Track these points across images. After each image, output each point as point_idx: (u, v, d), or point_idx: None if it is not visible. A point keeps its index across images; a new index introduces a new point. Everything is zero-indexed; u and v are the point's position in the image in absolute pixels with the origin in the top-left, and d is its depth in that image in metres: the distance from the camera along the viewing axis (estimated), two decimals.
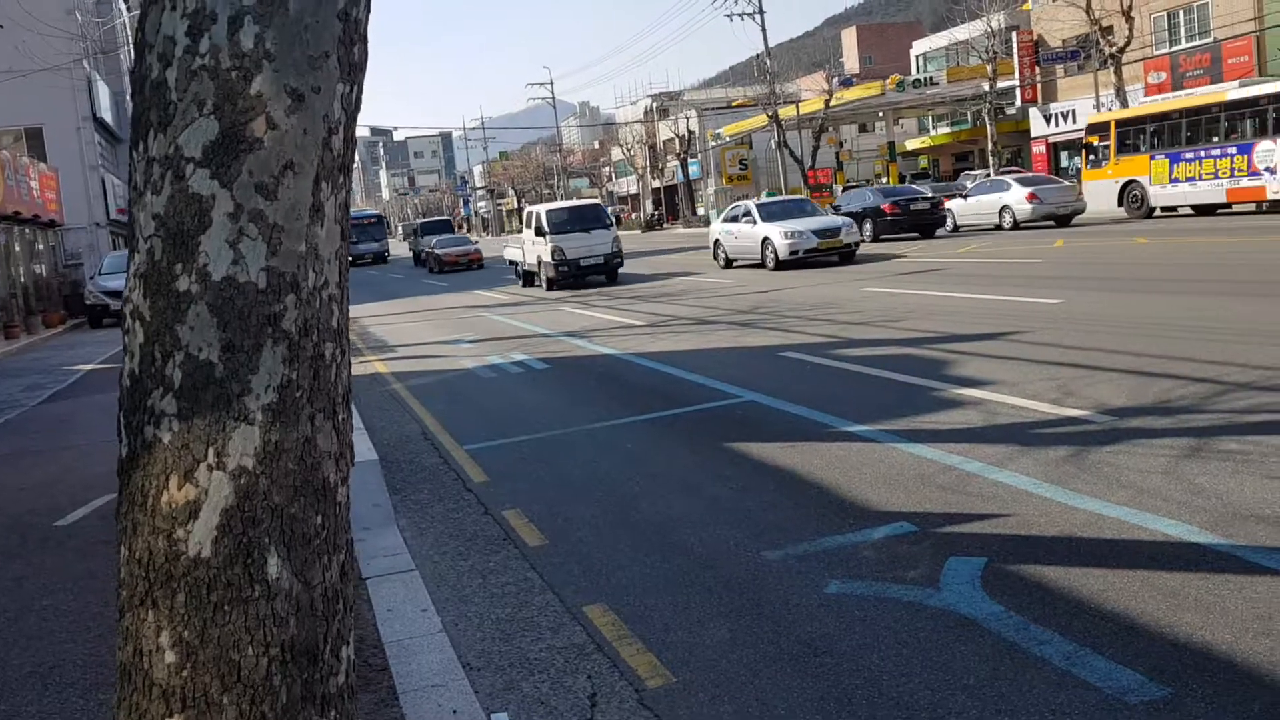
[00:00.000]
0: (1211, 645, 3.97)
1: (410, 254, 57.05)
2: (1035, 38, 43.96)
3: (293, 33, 2.06)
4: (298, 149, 2.08)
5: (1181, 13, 37.71)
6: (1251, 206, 25.95)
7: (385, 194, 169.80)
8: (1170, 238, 21.51)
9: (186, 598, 2.01)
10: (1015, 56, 44.15)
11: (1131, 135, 28.75)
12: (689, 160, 67.27)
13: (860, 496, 6.26)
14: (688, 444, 8.08)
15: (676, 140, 67.10)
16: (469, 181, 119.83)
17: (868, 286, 18.17)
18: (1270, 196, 24.65)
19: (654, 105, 77.17)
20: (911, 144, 60.89)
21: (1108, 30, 35.19)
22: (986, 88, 44.25)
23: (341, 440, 2.17)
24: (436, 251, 40.57)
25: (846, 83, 57.78)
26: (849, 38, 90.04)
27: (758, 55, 55.11)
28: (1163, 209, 27.79)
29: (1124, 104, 33.35)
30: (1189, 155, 26.53)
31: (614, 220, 27.70)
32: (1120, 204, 28.82)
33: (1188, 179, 26.55)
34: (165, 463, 2.05)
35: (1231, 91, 26.43)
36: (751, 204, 26.74)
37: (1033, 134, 45.44)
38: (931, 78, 52.11)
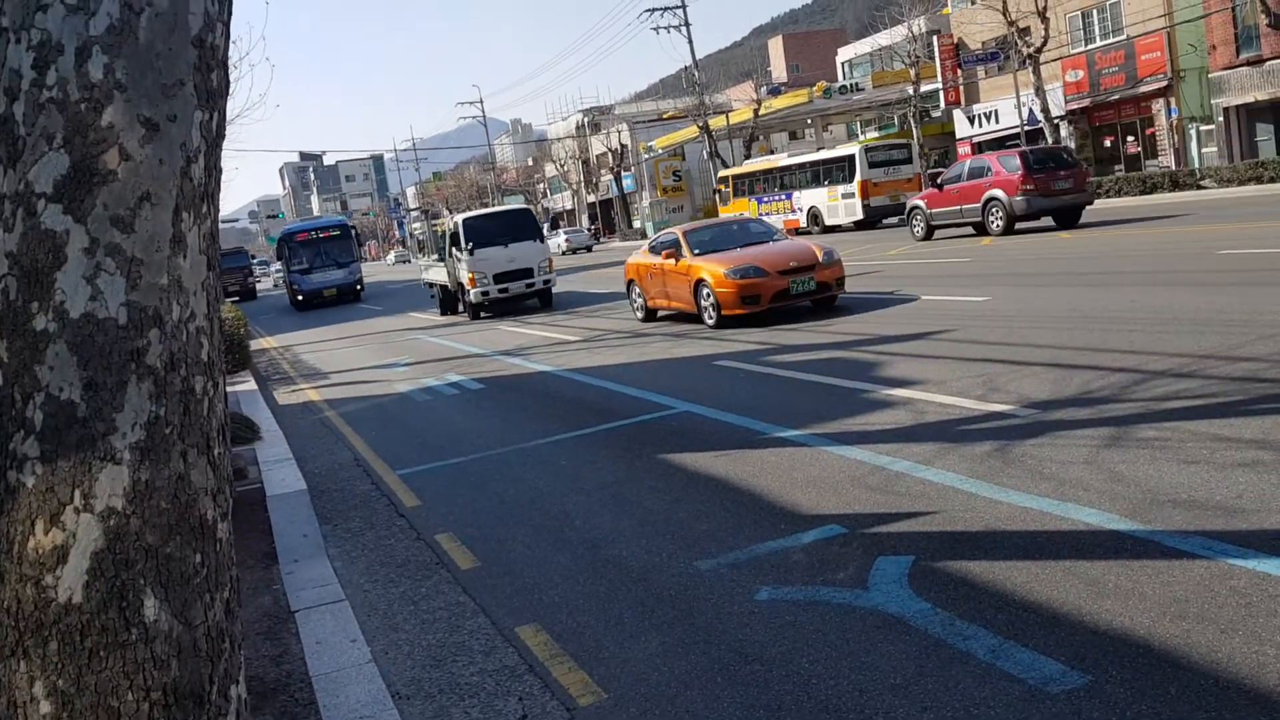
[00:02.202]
0: (1130, 631, 4.04)
1: (426, 286, 29.12)
2: (956, 41, 44.83)
3: (144, 61, 2.01)
4: (154, 180, 2.03)
5: (1095, 12, 38.66)
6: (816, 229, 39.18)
7: None
8: None
9: (59, 645, 1.94)
10: (937, 60, 45.00)
11: (742, 184, 44.15)
12: (623, 174, 67.48)
13: (791, 501, 6.29)
14: (623, 457, 8.07)
15: (609, 154, 67.29)
16: (402, 203, 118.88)
17: None
18: (799, 226, 38.88)
19: (585, 120, 77.41)
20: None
21: (1025, 31, 36.00)
22: (911, 92, 44.99)
23: (218, 475, 2.11)
24: (714, 271, 14.93)
25: (775, 91, 58.38)
26: (776, 47, 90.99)
27: (686, 67, 55.52)
28: None
29: (1044, 103, 34.24)
30: (767, 199, 42.01)
31: None
32: None
33: (768, 214, 40.13)
34: (30, 508, 1.98)
35: (782, 160, 42.74)
36: None
37: (958, 135, 46.25)
38: (857, 84, 52.92)
